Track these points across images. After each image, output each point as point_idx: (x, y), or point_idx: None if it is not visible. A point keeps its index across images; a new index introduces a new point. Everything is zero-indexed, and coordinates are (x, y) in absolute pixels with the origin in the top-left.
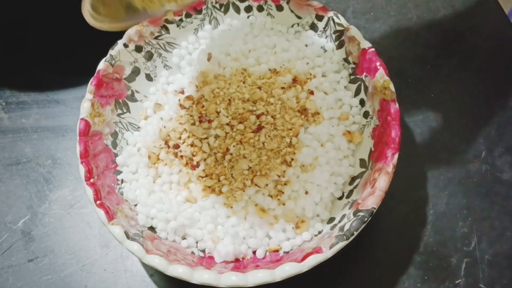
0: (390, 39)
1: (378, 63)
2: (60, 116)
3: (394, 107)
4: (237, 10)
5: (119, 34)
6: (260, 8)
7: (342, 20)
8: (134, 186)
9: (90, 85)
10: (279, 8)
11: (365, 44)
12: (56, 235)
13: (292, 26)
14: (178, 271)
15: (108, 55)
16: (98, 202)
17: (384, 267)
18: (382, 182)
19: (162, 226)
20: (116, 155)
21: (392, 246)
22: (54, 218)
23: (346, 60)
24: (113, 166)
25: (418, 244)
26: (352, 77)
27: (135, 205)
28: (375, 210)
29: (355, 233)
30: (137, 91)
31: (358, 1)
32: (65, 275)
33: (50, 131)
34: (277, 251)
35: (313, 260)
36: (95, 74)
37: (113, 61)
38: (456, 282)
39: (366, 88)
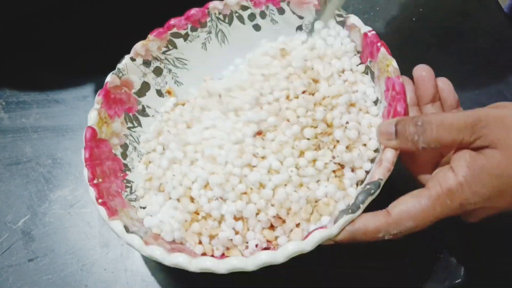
0: (390, 39)
1: (379, 44)
2: (60, 116)
3: (398, 82)
4: (241, 20)
5: (118, 37)
6: (262, 15)
7: (341, 11)
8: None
9: (98, 96)
10: (281, 11)
11: (366, 28)
12: (56, 234)
13: (297, 29)
14: (178, 259)
15: (115, 69)
16: (100, 200)
17: (384, 267)
18: (389, 153)
19: (168, 228)
20: (125, 165)
21: (391, 246)
22: (54, 218)
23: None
24: (121, 175)
25: (418, 244)
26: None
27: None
28: (382, 182)
29: (361, 206)
30: (148, 106)
31: (358, 1)
32: (65, 275)
33: (50, 131)
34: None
35: (317, 237)
36: (103, 86)
37: (120, 74)
38: (456, 282)
39: (372, 74)
